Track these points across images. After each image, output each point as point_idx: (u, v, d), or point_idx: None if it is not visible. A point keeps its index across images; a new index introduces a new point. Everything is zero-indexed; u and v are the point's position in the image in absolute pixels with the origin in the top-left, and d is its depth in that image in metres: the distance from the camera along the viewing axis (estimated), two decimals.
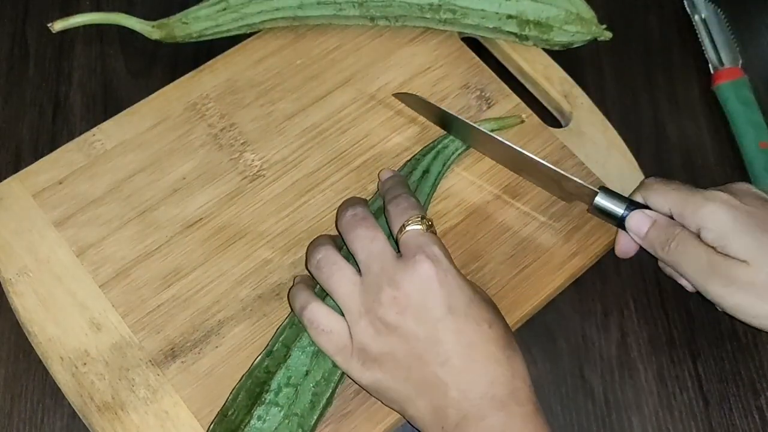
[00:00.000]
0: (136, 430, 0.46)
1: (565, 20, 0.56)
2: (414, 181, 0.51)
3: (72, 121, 0.58)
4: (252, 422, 0.42)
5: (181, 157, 0.54)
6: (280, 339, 0.45)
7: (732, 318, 0.53)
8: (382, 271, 0.42)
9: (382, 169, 0.52)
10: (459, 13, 0.56)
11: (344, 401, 0.47)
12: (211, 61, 0.57)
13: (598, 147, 0.56)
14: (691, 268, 0.46)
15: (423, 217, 0.44)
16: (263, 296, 0.50)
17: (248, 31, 0.58)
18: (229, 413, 0.44)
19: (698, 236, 0.46)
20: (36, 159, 0.53)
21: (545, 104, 0.59)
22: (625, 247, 0.51)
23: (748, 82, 0.61)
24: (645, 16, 0.66)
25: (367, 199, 0.51)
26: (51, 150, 0.54)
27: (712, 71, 0.63)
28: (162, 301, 0.49)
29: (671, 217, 0.48)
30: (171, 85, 0.56)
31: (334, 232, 0.49)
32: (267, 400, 0.43)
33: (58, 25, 0.58)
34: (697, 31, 0.64)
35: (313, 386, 0.44)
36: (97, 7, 0.63)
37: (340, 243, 0.46)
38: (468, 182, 0.54)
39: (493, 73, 0.58)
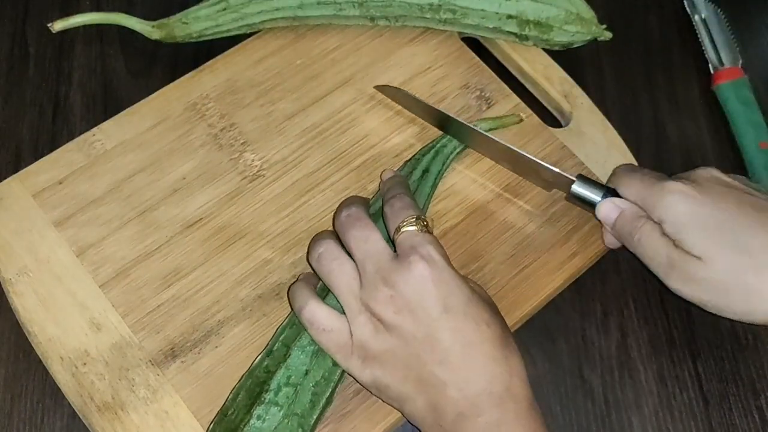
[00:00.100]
0: (136, 430, 0.46)
1: (565, 20, 0.56)
2: (414, 180, 0.51)
3: (72, 121, 0.58)
4: (252, 422, 0.43)
5: (181, 157, 0.54)
6: (280, 338, 0.45)
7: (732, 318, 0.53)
8: (377, 271, 0.42)
9: (384, 169, 0.52)
10: (459, 13, 0.56)
11: (344, 401, 0.47)
12: (211, 61, 0.57)
13: (598, 147, 0.56)
14: (653, 262, 0.46)
15: (418, 218, 0.44)
16: (263, 296, 0.50)
17: (248, 31, 0.58)
18: (229, 413, 0.44)
19: (661, 228, 0.46)
20: (36, 159, 0.53)
21: (545, 104, 0.59)
22: (611, 238, 0.50)
23: (748, 82, 0.61)
24: (645, 16, 0.66)
25: (368, 198, 0.51)
26: (51, 150, 0.54)
27: (712, 71, 0.63)
28: (162, 301, 0.49)
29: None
30: (171, 85, 0.56)
31: None
32: (267, 400, 0.43)
33: (58, 25, 0.58)
34: (697, 31, 0.64)
35: (313, 386, 0.44)
36: (97, 7, 0.63)
37: None
38: (468, 182, 0.54)
39: (493, 73, 0.58)
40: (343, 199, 0.50)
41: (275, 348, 0.45)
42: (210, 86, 0.56)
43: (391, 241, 0.45)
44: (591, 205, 0.49)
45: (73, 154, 0.53)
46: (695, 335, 0.53)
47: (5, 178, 0.52)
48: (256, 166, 0.54)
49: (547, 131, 0.56)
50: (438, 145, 0.53)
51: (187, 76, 0.57)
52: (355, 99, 0.56)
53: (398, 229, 0.44)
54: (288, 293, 0.47)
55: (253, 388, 0.44)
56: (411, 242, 0.43)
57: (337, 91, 0.57)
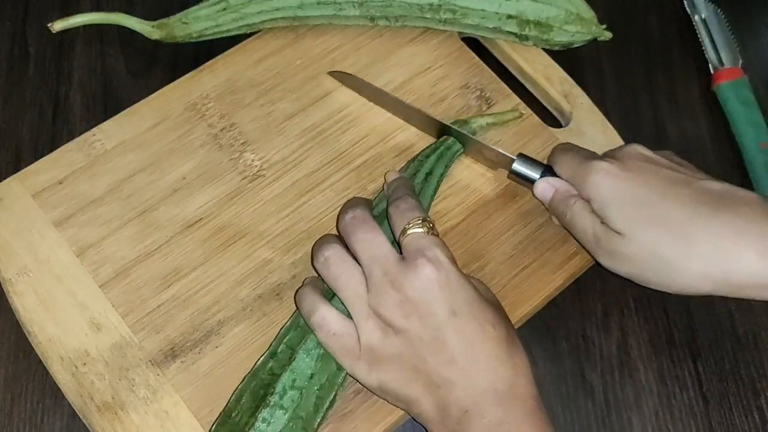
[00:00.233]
0: (136, 430, 0.46)
1: (565, 20, 0.56)
2: (418, 183, 0.51)
3: (72, 121, 0.58)
4: (257, 424, 0.42)
5: (181, 157, 0.54)
6: (284, 341, 0.45)
7: (732, 318, 0.53)
8: (384, 275, 0.42)
9: (388, 171, 0.52)
10: (459, 13, 0.56)
11: (344, 401, 0.47)
12: (211, 61, 0.57)
13: (598, 147, 0.56)
14: (583, 240, 0.48)
15: (424, 219, 0.44)
16: (263, 296, 0.50)
17: (248, 31, 0.58)
18: (233, 415, 0.44)
19: (590, 206, 0.47)
20: (36, 159, 0.53)
21: (545, 104, 0.59)
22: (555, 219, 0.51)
23: (748, 82, 0.61)
24: (645, 16, 0.66)
25: (371, 199, 0.51)
26: (51, 150, 0.53)
27: (712, 71, 0.63)
28: (162, 301, 0.49)
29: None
30: (171, 85, 0.56)
31: (335, 233, 0.49)
32: (272, 403, 0.43)
33: (58, 25, 0.58)
34: (697, 31, 0.64)
35: (318, 389, 0.44)
36: (97, 7, 0.63)
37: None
38: (468, 182, 0.54)
39: (493, 73, 0.58)
40: (344, 199, 0.50)
41: (279, 350, 0.45)
42: (210, 86, 0.56)
43: (397, 243, 0.44)
44: (531, 183, 0.51)
45: (73, 154, 0.53)
46: (695, 335, 0.53)
47: (5, 178, 0.52)
48: (256, 166, 0.54)
49: (547, 131, 0.56)
50: (442, 147, 0.53)
51: (187, 76, 0.57)
52: (355, 99, 0.56)
53: (404, 231, 0.44)
54: (295, 297, 0.46)
55: (258, 391, 0.44)
56: (417, 244, 0.43)
57: (337, 91, 0.57)
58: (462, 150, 0.54)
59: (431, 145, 0.54)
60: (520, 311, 0.50)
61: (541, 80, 0.58)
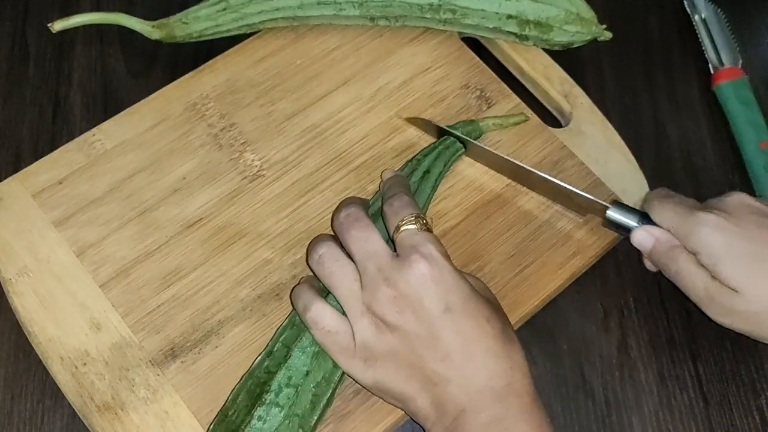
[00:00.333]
0: (136, 430, 0.46)
1: (565, 20, 0.56)
2: (415, 181, 0.51)
3: (72, 121, 0.58)
4: (252, 422, 0.42)
5: (181, 157, 0.54)
6: (281, 339, 0.45)
7: None
8: (378, 272, 0.42)
9: (385, 169, 0.52)
10: (459, 13, 0.56)
11: (344, 401, 0.47)
12: (211, 61, 0.57)
13: (598, 147, 0.56)
14: (692, 294, 0.46)
15: (418, 216, 0.44)
16: (263, 296, 0.50)
17: (248, 31, 0.58)
18: (230, 413, 0.44)
19: (697, 258, 0.45)
20: (36, 159, 0.53)
21: (545, 104, 0.59)
22: (649, 263, 0.50)
23: (748, 82, 0.61)
24: (645, 16, 0.66)
25: (368, 199, 0.51)
26: (51, 150, 0.54)
27: (712, 71, 0.63)
28: (162, 301, 0.49)
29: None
30: (171, 85, 0.56)
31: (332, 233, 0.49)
32: (268, 401, 0.43)
33: (58, 25, 0.58)
34: (697, 31, 0.64)
35: (314, 387, 0.44)
36: (97, 7, 0.63)
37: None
38: (468, 182, 0.54)
39: (493, 73, 0.58)
40: (343, 199, 0.49)
41: (275, 349, 0.45)
42: (210, 86, 0.56)
43: (391, 241, 0.45)
44: (627, 230, 0.49)
45: (73, 154, 0.53)
46: (695, 335, 0.53)
47: (5, 178, 0.52)
48: (256, 166, 0.54)
49: (547, 131, 0.56)
50: (440, 147, 0.53)
51: (187, 76, 0.57)
52: (355, 99, 0.56)
53: (398, 228, 0.44)
54: (291, 294, 0.46)
55: (254, 389, 0.44)
56: (411, 241, 0.43)
57: (337, 91, 0.57)
58: (462, 150, 0.54)
59: (429, 144, 0.54)
60: (520, 311, 0.50)
61: (541, 80, 0.58)
